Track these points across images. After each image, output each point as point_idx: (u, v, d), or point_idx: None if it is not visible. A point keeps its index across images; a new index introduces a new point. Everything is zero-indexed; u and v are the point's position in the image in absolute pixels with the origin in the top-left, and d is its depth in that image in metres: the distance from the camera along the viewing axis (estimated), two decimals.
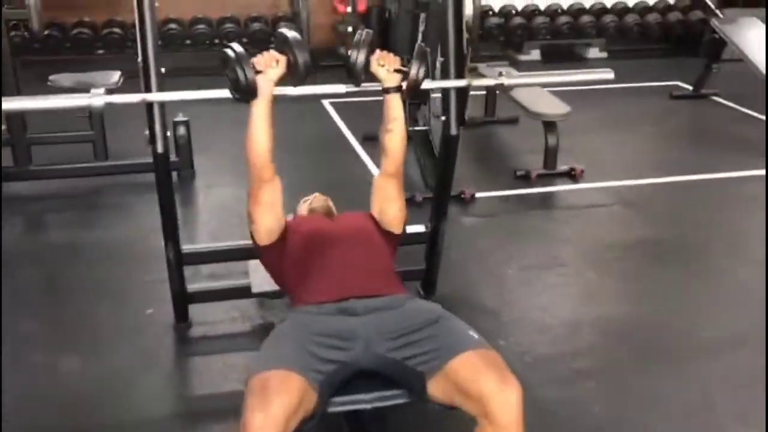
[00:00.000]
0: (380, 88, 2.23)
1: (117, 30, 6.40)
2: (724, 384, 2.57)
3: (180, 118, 4.16)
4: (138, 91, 2.28)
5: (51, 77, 4.20)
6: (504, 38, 7.26)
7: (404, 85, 2.20)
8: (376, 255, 2.16)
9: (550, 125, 4.41)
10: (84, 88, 4.09)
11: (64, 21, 6.47)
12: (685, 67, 7.26)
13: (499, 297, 3.11)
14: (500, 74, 2.48)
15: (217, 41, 6.62)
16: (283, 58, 2.07)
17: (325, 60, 7.02)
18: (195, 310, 2.88)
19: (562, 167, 4.46)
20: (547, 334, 2.86)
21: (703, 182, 4.49)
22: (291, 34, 2.08)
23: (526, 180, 4.39)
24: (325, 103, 6.00)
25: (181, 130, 4.09)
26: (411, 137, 4.30)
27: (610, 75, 2.61)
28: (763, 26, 5.85)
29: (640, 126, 5.64)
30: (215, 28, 6.65)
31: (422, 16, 4.16)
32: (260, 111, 2.04)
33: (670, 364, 2.68)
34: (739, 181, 4.53)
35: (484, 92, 5.47)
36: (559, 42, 7.58)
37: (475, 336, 1.79)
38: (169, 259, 2.65)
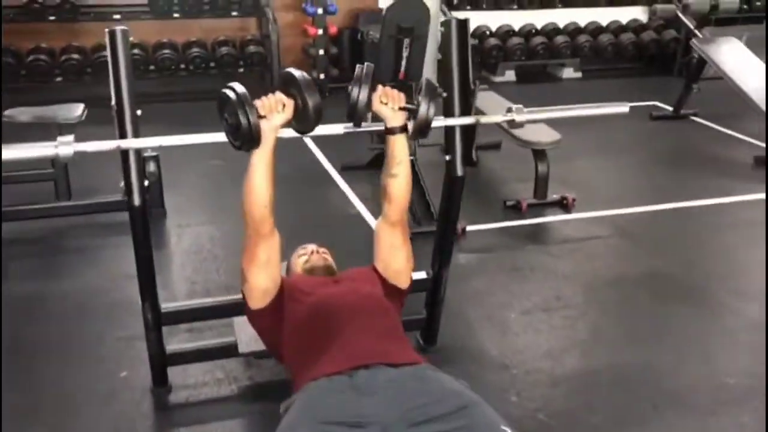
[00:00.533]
0: (382, 128, 2.02)
1: (75, 56, 6.06)
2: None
3: (149, 152, 3.88)
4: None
5: (6, 112, 3.87)
6: (479, 59, 7.11)
7: (410, 124, 1.98)
8: (386, 319, 1.95)
9: (540, 153, 4.24)
10: (43, 123, 3.91)
11: (19, 47, 6.11)
12: (661, 87, 7.22)
13: (504, 345, 2.90)
14: (509, 110, 2.29)
15: (183, 66, 6.33)
16: (290, 102, 1.84)
17: None
18: (175, 372, 2.60)
19: (553, 196, 4.29)
20: (560, 386, 2.65)
21: (696, 209, 4.36)
22: (299, 74, 1.85)
23: (516, 211, 4.21)
24: None
25: (152, 167, 3.80)
26: None
27: (624, 109, 2.43)
28: (742, 45, 5.81)
29: (625, 150, 5.52)
30: (181, 52, 6.36)
31: (406, 41, 3.96)
32: (262, 160, 1.82)
33: (693, 415, 2.50)
34: (733, 206, 4.42)
35: None
36: (534, 63, 7.47)
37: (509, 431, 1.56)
38: (146, 320, 2.38)
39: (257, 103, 1.78)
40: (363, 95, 1.89)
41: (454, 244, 3.75)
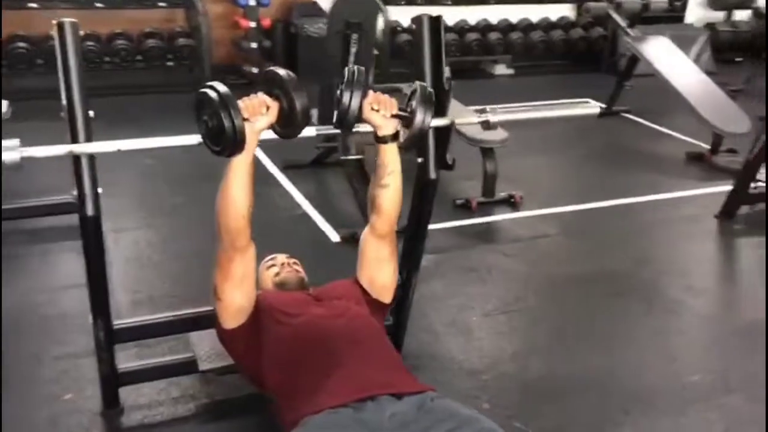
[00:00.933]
0: (369, 133, 1.91)
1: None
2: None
3: None
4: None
5: None
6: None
7: (402, 131, 1.87)
8: (383, 345, 1.85)
9: (488, 151, 4.20)
10: None
11: None
12: (590, 84, 7.36)
13: (470, 350, 2.83)
14: (483, 111, 2.21)
15: (107, 59, 5.99)
16: (274, 104, 1.68)
17: (227, 78, 6.58)
18: (126, 391, 2.41)
19: (500, 194, 4.27)
20: (531, 392, 2.61)
21: (638, 205, 4.45)
22: (284, 73, 1.69)
23: (466, 209, 4.17)
24: None
25: None
26: (343, 166, 4.02)
27: (595, 110, 2.41)
28: (671, 43, 5.96)
29: (564, 146, 5.57)
30: (105, 44, 6.00)
31: (354, 37, 3.83)
32: (242, 167, 1.67)
33: (665, 417, 2.50)
34: (672, 202, 4.53)
35: None
36: (467, 59, 7.46)
37: None
38: (98, 338, 2.18)
39: (239, 104, 1.62)
40: (355, 102, 1.75)
41: None
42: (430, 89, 1.86)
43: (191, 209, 3.84)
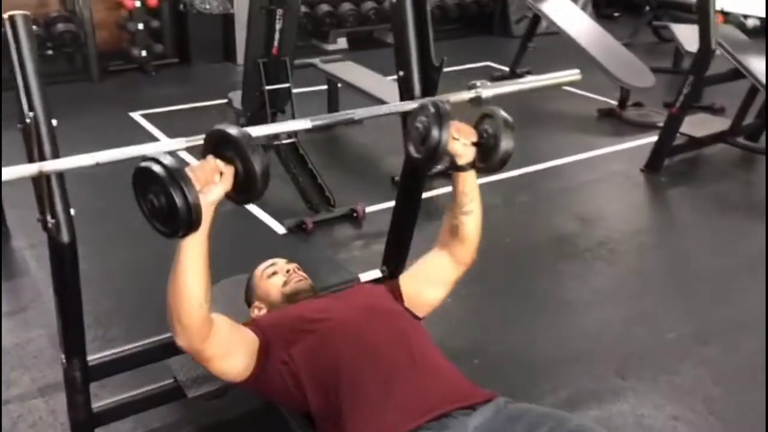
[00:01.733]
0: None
1: None
2: None
3: None
4: None
5: None
6: (311, 27, 6.79)
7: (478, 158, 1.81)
8: (429, 345, 1.68)
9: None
10: None
11: None
12: (486, 47, 7.41)
13: (441, 327, 2.73)
14: (473, 86, 2.08)
15: None
16: (228, 170, 1.42)
17: (113, 63, 6.08)
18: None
19: (438, 166, 4.17)
20: (524, 369, 2.55)
21: (566, 167, 4.51)
22: (236, 131, 1.42)
23: None
24: (135, 115, 5.13)
25: None
26: (279, 152, 3.78)
27: (577, 76, 2.32)
28: (569, 2, 6.07)
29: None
30: None
31: (279, 12, 3.57)
32: (198, 248, 1.41)
33: (662, 376, 2.53)
34: (597, 160, 4.63)
35: (325, 87, 5.00)
36: (364, 29, 7.29)
37: None
38: (73, 379, 1.89)
39: (189, 174, 1.34)
40: (444, 136, 1.68)
41: (357, 228, 3.58)
42: (508, 117, 1.81)
43: (118, 214, 3.48)
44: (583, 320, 2.89)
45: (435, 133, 1.67)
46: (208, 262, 1.44)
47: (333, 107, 4.99)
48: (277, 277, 1.92)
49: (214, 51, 6.46)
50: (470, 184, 1.81)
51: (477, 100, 2.07)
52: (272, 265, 1.96)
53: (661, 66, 6.27)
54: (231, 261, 3.28)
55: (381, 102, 4.20)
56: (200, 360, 1.53)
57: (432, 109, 1.70)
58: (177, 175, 1.32)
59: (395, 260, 2.40)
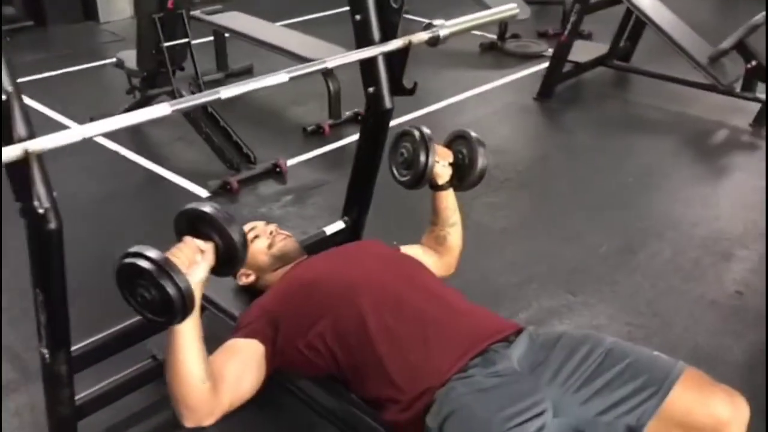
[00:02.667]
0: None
1: None
2: None
3: None
4: None
5: None
6: None
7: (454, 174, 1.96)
8: (444, 286, 1.71)
9: (329, 71, 4.02)
10: None
11: None
12: None
13: None
14: (430, 26, 2.08)
15: None
16: (208, 246, 1.42)
17: None
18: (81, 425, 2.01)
19: (346, 113, 4.16)
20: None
21: (464, 102, 4.64)
22: (209, 208, 1.44)
23: (320, 135, 4.00)
24: None
25: None
26: (188, 113, 3.60)
27: (516, 11, 2.40)
28: None
29: None
30: None
31: None
32: (192, 331, 1.39)
33: (598, 290, 2.73)
34: (489, 93, 4.80)
35: (211, 39, 4.77)
36: None
37: (663, 355, 1.47)
38: (57, 374, 1.76)
39: (174, 261, 1.32)
40: (431, 160, 1.85)
41: (282, 183, 3.52)
42: (479, 137, 1.96)
43: None
44: (523, 245, 3.03)
45: (422, 158, 1.83)
46: (202, 339, 1.42)
47: (222, 60, 4.79)
48: (260, 240, 1.85)
49: (72, 10, 5.95)
50: (451, 200, 1.96)
51: (435, 40, 2.09)
52: (252, 229, 1.89)
53: None
54: (159, 234, 3.16)
55: (281, 50, 4.09)
56: (217, 419, 1.48)
57: (417, 135, 1.85)
58: (165, 266, 1.31)
59: (357, 209, 2.38)
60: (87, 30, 6.01)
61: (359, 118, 4.15)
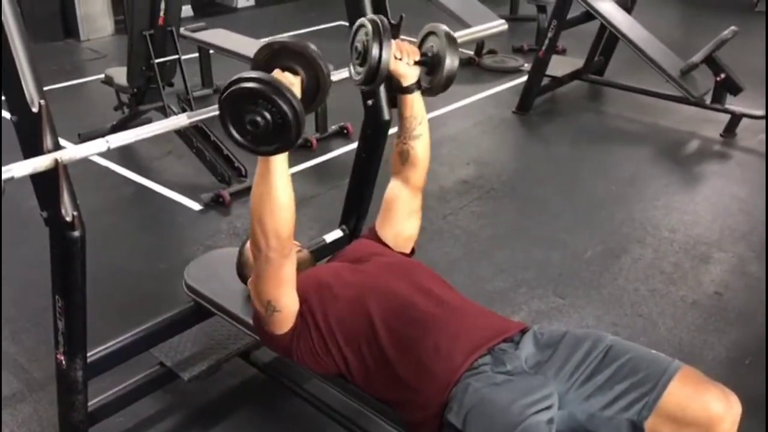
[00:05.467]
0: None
1: None
2: None
3: None
4: None
5: None
6: None
7: (425, 77, 1.76)
8: (447, 285, 1.77)
9: None
10: None
11: None
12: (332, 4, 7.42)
13: None
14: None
15: None
16: (296, 80, 1.46)
17: None
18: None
19: (332, 127, 4.24)
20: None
21: (444, 116, 4.71)
22: (301, 42, 1.48)
23: (307, 149, 4.08)
24: None
25: None
26: (178, 130, 3.65)
27: (504, 27, 2.52)
28: None
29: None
30: None
31: None
32: (286, 160, 1.46)
33: (586, 293, 2.84)
34: (469, 108, 4.91)
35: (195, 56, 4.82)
36: None
37: (660, 354, 1.53)
38: (73, 381, 1.81)
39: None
40: (386, 54, 1.58)
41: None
42: (451, 32, 1.72)
43: None
44: (511, 252, 3.13)
45: (375, 51, 1.57)
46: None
47: (207, 75, 4.85)
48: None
49: (52, 28, 5.96)
50: (417, 106, 1.78)
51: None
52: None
53: (501, 14, 6.65)
54: (154, 245, 3.21)
55: None
56: (278, 283, 1.55)
57: (370, 26, 1.60)
58: (278, 86, 1.30)
59: (355, 217, 2.46)
60: (68, 48, 6.03)
61: (344, 131, 4.25)
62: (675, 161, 4.19)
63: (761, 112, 4.33)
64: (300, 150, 4.06)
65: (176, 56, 3.67)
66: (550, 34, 4.42)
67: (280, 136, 1.35)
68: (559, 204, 3.59)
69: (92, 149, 1.50)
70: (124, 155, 3.92)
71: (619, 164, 4.07)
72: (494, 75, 5.52)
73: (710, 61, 4.31)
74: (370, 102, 2.22)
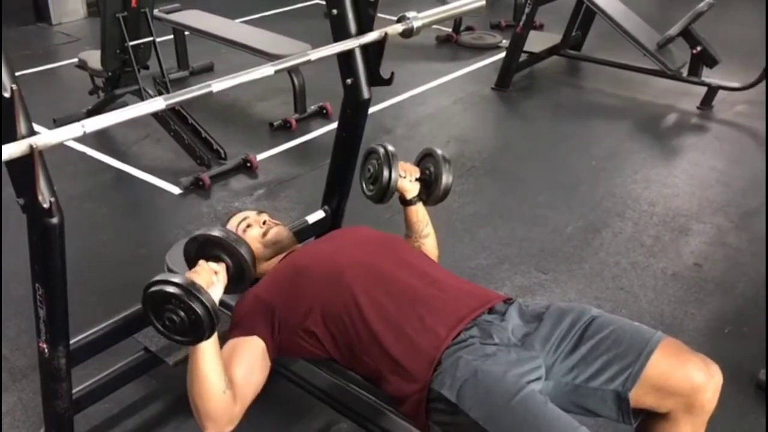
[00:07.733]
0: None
1: None
2: None
3: None
4: None
5: None
6: None
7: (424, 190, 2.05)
8: (430, 261, 1.80)
9: (293, 66, 4.07)
10: None
11: None
12: None
13: None
14: (404, 18, 2.16)
15: None
16: (221, 268, 1.58)
17: None
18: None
19: (311, 107, 4.22)
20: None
21: (426, 93, 4.73)
22: (218, 232, 1.62)
23: (287, 129, 4.05)
24: None
25: None
26: (155, 113, 3.61)
27: (482, 2, 2.49)
28: None
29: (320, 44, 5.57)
30: None
31: None
32: (213, 348, 1.50)
33: (567, 268, 2.86)
34: (449, 84, 4.89)
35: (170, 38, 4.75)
36: None
37: (643, 326, 1.55)
38: (56, 369, 1.80)
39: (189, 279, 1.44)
40: (394, 176, 1.95)
41: (253, 177, 3.56)
42: (445, 155, 2.03)
43: None
44: (492, 229, 3.14)
45: (386, 173, 1.93)
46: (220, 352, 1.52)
47: (183, 57, 4.78)
48: (253, 229, 1.90)
49: (23, 11, 5.84)
50: (421, 213, 2.04)
51: (409, 31, 2.17)
52: (244, 219, 1.93)
53: None
54: (135, 230, 3.19)
55: (245, 47, 4.12)
56: (235, 425, 1.56)
57: (381, 154, 1.95)
58: (192, 289, 1.42)
59: (337, 198, 2.45)
60: (40, 32, 5.91)
61: (324, 111, 4.22)
62: (653, 135, 4.22)
63: (737, 84, 4.36)
64: (280, 131, 4.04)
65: (151, 38, 3.61)
66: (527, 10, 4.41)
67: (195, 331, 1.46)
68: (539, 180, 3.61)
69: (67, 134, 1.46)
70: (101, 140, 3.87)
71: (599, 139, 4.09)
72: (472, 52, 5.50)
73: (686, 34, 4.33)
74: (349, 81, 2.20)
